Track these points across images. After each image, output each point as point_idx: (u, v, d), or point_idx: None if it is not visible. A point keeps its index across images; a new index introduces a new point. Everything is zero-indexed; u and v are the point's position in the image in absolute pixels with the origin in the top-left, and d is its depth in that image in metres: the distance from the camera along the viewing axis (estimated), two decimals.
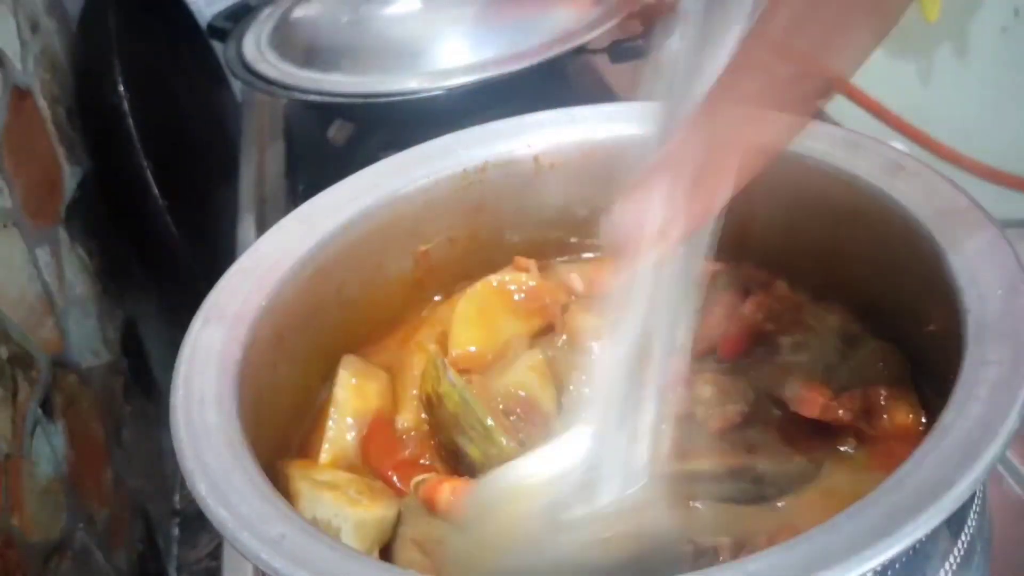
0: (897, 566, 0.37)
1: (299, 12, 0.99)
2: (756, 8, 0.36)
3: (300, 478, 0.49)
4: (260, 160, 1.12)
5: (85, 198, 1.08)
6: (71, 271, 0.99)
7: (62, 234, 1.00)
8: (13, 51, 0.96)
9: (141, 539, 1.05)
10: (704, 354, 0.53)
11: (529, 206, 0.63)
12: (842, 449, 0.49)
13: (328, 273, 0.56)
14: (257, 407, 0.48)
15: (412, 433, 0.53)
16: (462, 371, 0.54)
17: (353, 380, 0.54)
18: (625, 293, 0.38)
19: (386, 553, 0.48)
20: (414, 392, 0.54)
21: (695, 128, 0.37)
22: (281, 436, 0.53)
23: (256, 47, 0.97)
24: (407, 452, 0.52)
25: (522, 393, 0.52)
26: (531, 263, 0.61)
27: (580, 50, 0.92)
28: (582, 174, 0.62)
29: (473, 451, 0.49)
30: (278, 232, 0.56)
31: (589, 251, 0.64)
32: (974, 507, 0.43)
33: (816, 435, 0.49)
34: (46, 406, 0.86)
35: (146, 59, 1.16)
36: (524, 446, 0.49)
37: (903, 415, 0.48)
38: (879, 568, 0.33)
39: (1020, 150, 1.67)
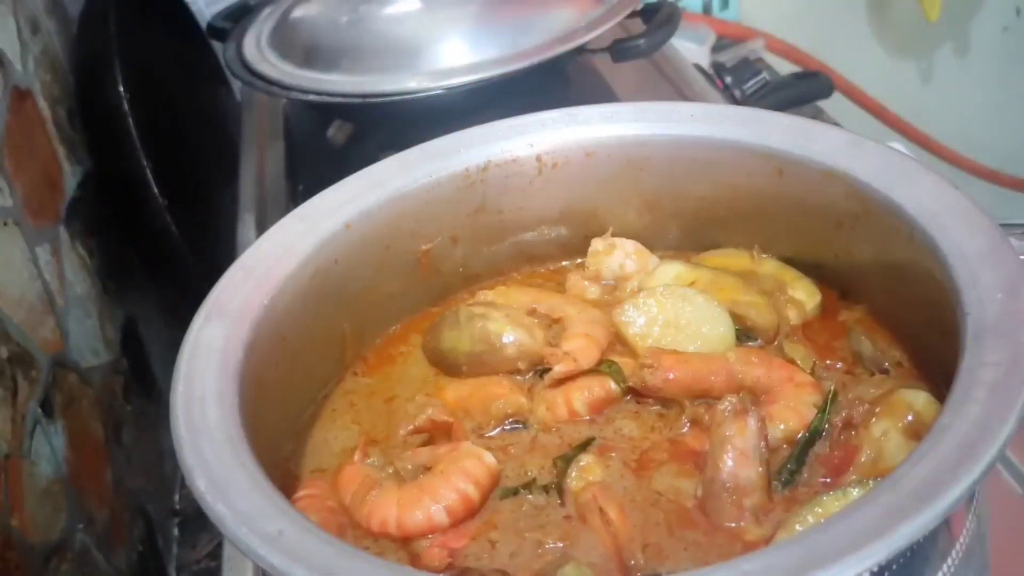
0: (895, 567, 0.37)
1: (299, 12, 0.98)
2: None
3: None
4: (260, 160, 1.11)
5: (85, 198, 1.08)
6: (71, 270, 0.99)
7: (62, 233, 1.00)
8: (13, 52, 0.96)
9: (141, 539, 1.05)
10: None
11: (531, 205, 0.63)
12: None
13: (330, 271, 0.56)
14: (258, 405, 0.48)
15: None
16: None
17: None
18: None
19: None
20: None
21: None
22: (282, 434, 0.53)
23: (256, 47, 0.97)
24: None
25: None
26: None
27: (580, 50, 0.92)
28: (585, 173, 0.62)
29: None
30: (280, 230, 0.56)
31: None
32: (972, 508, 0.43)
33: None
34: (46, 406, 0.86)
35: (146, 59, 1.16)
36: None
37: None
38: (875, 569, 0.33)
39: (1020, 151, 1.67)
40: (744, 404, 0.48)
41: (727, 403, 0.48)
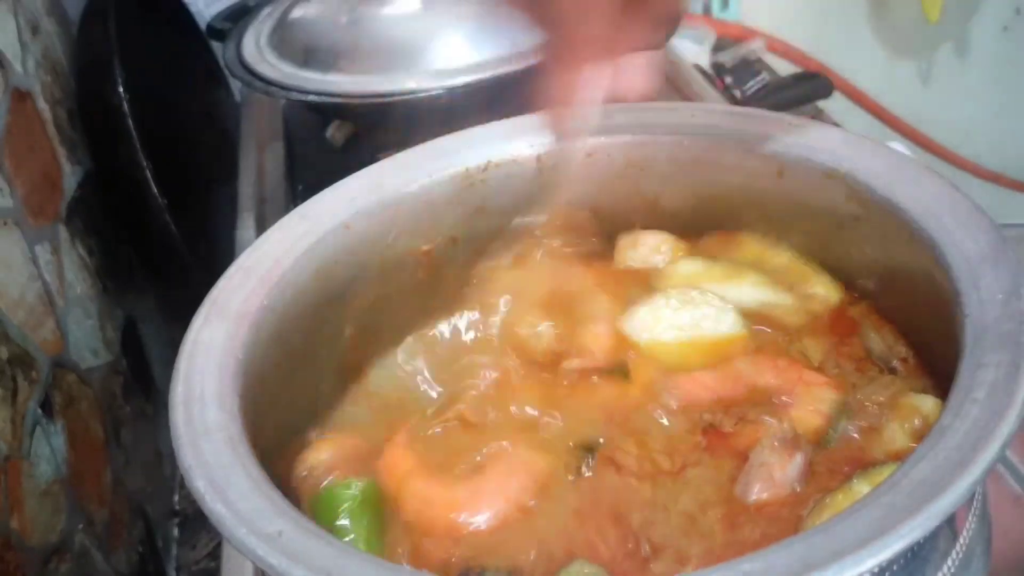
0: (895, 567, 0.37)
1: (298, 12, 0.98)
2: None
3: None
4: (260, 160, 1.11)
5: (85, 198, 1.08)
6: (71, 271, 0.99)
7: (62, 233, 1.00)
8: (13, 53, 0.96)
9: (141, 540, 1.05)
10: None
11: (531, 206, 0.63)
12: None
13: (329, 272, 0.56)
14: (258, 405, 0.48)
15: None
16: None
17: None
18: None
19: None
20: None
21: None
22: (282, 434, 0.53)
23: (255, 47, 0.97)
24: None
25: None
26: None
27: None
28: (585, 173, 0.62)
29: None
30: (280, 230, 0.56)
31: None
32: (973, 508, 0.43)
33: None
34: (46, 406, 0.86)
35: (146, 59, 1.16)
36: None
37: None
38: (876, 570, 0.33)
39: (1020, 152, 1.67)
40: (798, 440, 0.47)
41: (781, 430, 0.48)
